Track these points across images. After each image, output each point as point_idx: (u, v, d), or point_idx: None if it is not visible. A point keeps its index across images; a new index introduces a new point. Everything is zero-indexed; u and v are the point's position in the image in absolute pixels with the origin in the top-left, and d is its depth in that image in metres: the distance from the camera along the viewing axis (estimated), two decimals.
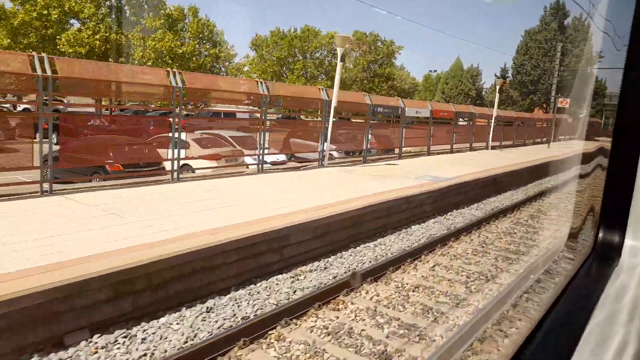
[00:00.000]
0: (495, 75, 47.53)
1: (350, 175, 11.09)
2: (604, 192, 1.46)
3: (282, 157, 14.61)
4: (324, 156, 12.65)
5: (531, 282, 3.87)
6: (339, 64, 11.95)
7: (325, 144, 12.43)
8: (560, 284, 1.36)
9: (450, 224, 9.30)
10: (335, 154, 17.26)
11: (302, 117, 35.69)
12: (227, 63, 36.80)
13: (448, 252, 7.49)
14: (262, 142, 11.39)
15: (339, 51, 11.77)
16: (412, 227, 8.84)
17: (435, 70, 75.01)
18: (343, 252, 7.09)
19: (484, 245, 8.06)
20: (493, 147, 23.66)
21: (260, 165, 11.23)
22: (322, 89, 12.59)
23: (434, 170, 12.79)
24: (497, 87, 22.45)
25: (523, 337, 1.03)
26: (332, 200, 7.92)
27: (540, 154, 21.52)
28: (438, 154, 19.27)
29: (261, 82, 11.68)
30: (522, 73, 43.09)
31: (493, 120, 22.64)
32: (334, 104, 11.92)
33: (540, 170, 16.84)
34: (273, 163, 14.21)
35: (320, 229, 6.78)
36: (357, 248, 7.36)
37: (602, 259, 1.43)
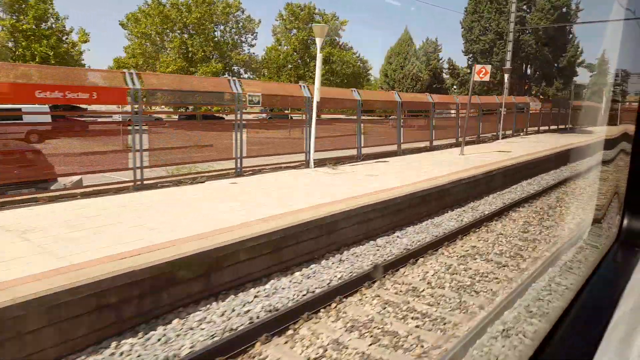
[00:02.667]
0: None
1: None
2: (628, 179, 1.42)
3: None
4: None
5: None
6: None
7: None
8: (585, 273, 1.32)
9: None
10: None
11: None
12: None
13: None
14: None
15: None
16: None
17: None
18: None
19: None
20: (319, 162, 12.33)
21: None
22: None
23: None
24: (319, 53, 10.95)
25: (550, 325, 1.00)
26: None
27: (371, 180, 10.18)
28: (220, 177, 8.06)
29: None
30: (470, 40, 31.00)
31: (315, 114, 11.26)
32: None
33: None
34: None
35: None
36: None
37: (628, 247, 1.40)
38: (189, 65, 33.32)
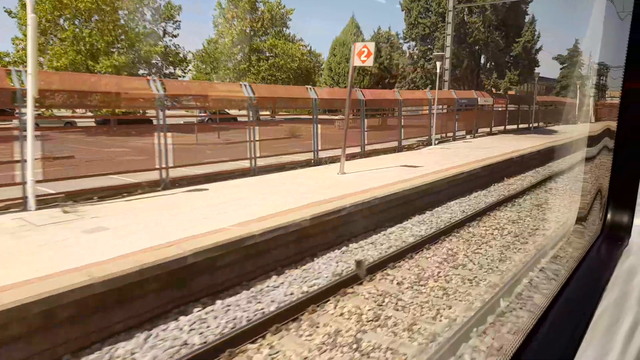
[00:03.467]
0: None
1: None
2: (612, 173, 1.43)
3: None
4: None
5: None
6: None
7: None
8: (570, 266, 1.33)
9: None
10: None
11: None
12: None
13: None
14: None
15: None
16: None
17: None
18: None
19: None
20: (70, 195, 7.44)
21: None
22: None
23: None
24: (30, 13, 6.05)
25: (535, 318, 1.00)
26: None
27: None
28: None
29: None
30: (409, 24, 26.26)
31: (31, 116, 6.40)
32: None
33: None
34: None
35: None
36: None
37: (612, 240, 1.41)
38: (87, 58, 28.05)
